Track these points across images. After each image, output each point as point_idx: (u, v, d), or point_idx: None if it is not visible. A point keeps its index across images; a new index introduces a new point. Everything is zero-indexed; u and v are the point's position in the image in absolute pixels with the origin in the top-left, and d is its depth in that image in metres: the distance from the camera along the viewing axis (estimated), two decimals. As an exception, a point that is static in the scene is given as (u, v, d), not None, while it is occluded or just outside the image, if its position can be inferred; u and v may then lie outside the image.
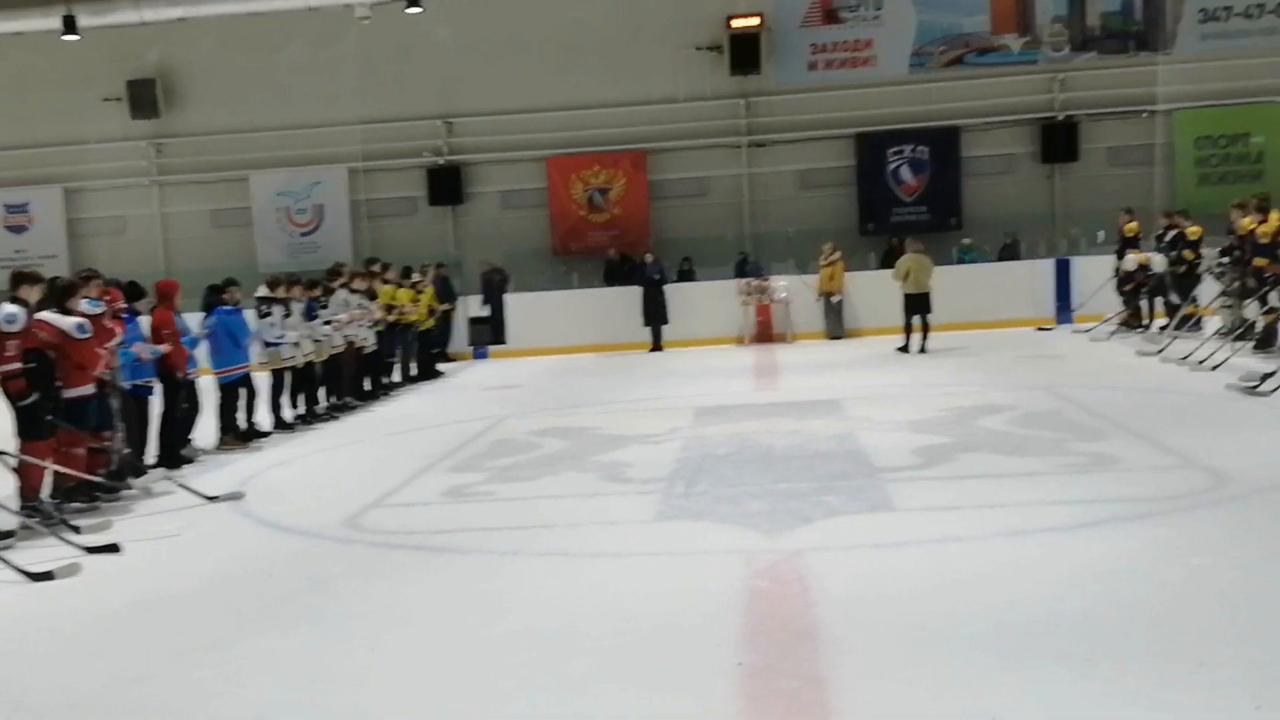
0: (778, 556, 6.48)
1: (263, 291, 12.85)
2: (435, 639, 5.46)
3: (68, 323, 8.62)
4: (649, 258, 20.32)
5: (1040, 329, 19.03)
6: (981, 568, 6.04)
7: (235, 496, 9.06)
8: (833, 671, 4.75)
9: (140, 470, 9.76)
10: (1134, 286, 17.12)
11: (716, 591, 5.86)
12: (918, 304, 16.72)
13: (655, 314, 19.97)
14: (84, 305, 8.97)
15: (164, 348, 10.25)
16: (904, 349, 16.76)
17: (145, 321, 10.44)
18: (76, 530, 7.81)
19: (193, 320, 11.57)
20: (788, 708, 4.44)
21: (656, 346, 19.94)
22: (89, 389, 8.83)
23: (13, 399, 8.23)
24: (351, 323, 14.00)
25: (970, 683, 4.49)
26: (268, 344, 12.50)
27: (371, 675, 5.02)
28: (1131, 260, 16.75)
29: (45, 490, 8.42)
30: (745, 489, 8.23)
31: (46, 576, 6.88)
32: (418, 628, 5.65)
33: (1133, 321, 17.24)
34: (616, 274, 22.01)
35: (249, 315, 12.31)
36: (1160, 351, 14.41)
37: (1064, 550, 6.29)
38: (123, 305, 9.76)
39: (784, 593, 5.93)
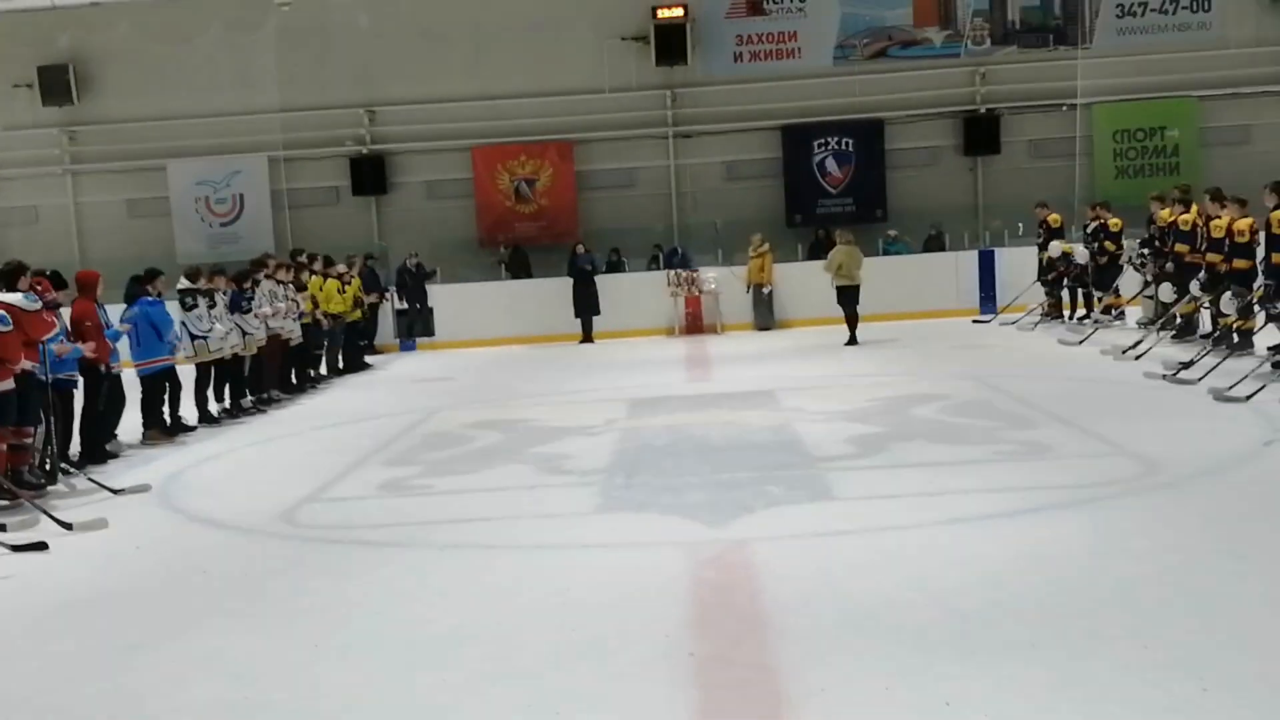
0: (723, 547, 6.48)
1: (183, 284, 12.53)
2: (378, 634, 5.35)
3: None
4: (580, 248, 20.20)
5: (976, 321, 19.25)
6: (925, 555, 6.08)
7: (141, 489, 8.86)
8: (784, 660, 4.75)
9: (67, 470, 9.50)
10: (1056, 276, 17.41)
11: (663, 582, 5.83)
12: (850, 296, 16.72)
13: (586, 305, 19.87)
14: (19, 299, 8.67)
15: (87, 349, 9.92)
16: (853, 341, 16.61)
17: (65, 314, 10.14)
18: (3, 528, 7.56)
19: (114, 313, 11.28)
20: (742, 697, 4.44)
21: (587, 338, 19.87)
22: (8, 384, 8.52)
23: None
24: (278, 314, 13.77)
25: (920, 669, 4.51)
26: (195, 336, 12.23)
27: (314, 672, 4.92)
28: (1055, 247, 17.00)
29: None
30: (686, 480, 8.22)
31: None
32: (360, 623, 5.55)
33: (1054, 312, 17.53)
34: (513, 267, 21.98)
35: (171, 307, 12.03)
36: (1082, 341, 14.69)
37: (1004, 536, 6.36)
38: (53, 296, 9.46)
39: (731, 582, 5.93)
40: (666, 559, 6.29)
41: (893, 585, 5.57)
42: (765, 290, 20.15)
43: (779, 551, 6.33)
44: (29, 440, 8.99)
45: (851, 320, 16.72)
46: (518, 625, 5.35)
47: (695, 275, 20.47)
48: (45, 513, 7.84)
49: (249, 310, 13.12)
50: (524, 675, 4.74)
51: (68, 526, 7.59)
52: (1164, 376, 11.25)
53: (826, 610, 5.26)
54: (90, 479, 8.97)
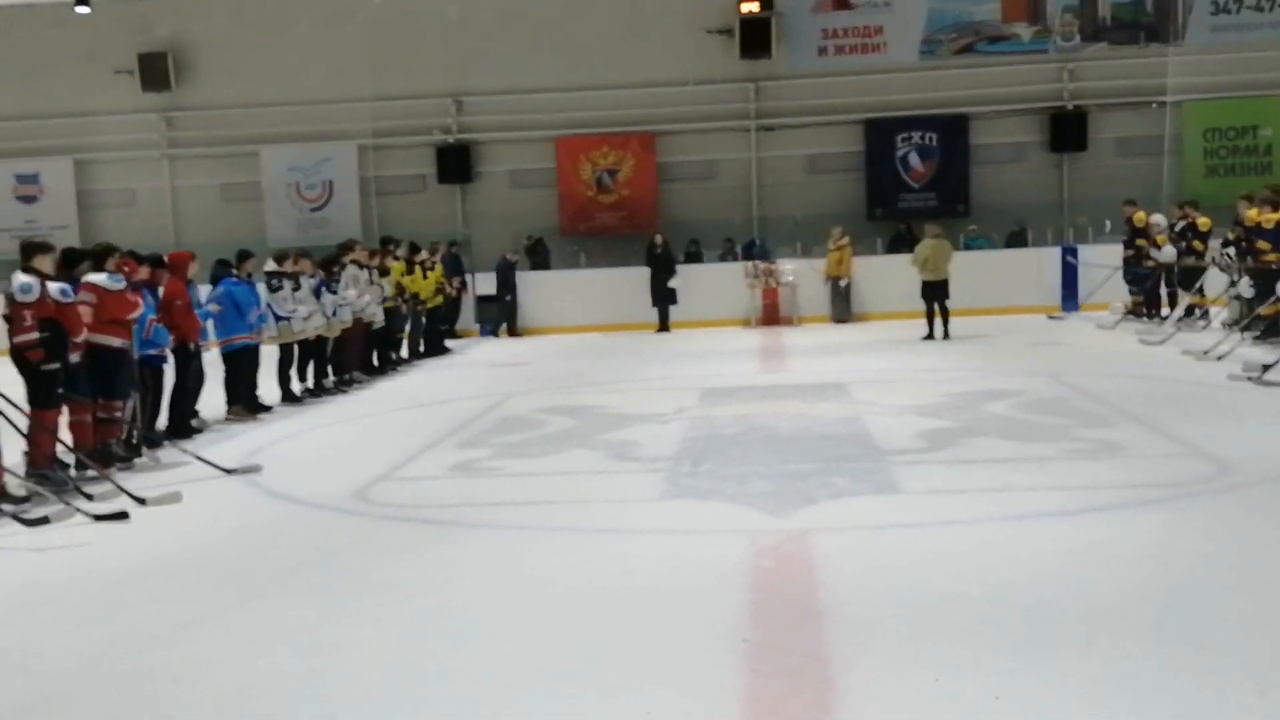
0: (783, 536, 6.52)
1: (271, 266, 12.87)
2: (442, 612, 5.48)
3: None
4: (658, 239, 20.33)
5: (1051, 317, 19.06)
6: (985, 551, 6.06)
7: (252, 469, 9.02)
8: (837, 650, 4.77)
9: (155, 441, 9.80)
10: (1151, 276, 17.04)
11: (723, 569, 5.89)
12: (936, 291, 16.45)
13: (663, 295, 19.98)
14: (103, 279, 8.97)
15: (172, 339, 10.27)
16: (929, 336, 16.45)
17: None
18: (89, 498, 7.85)
19: (202, 293, 11.63)
20: (793, 684, 4.48)
21: (664, 327, 19.98)
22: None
23: (33, 367, 8.25)
24: (362, 298, 14.06)
25: (972, 663, 4.52)
26: (279, 318, 12.54)
27: (377, 646, 5.03)
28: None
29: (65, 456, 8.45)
30: (751, 469, 8.26)
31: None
32: (424, 600, 5.67)
33: (1139, 310, 17.24)
34: (533, 256, 22.23)
35: (260, 289, 12.35)
36: (1163, 341, 14.44)
37: (1068, 534, 6.32)
38: (139, 276, 9.76)
39: (789, 572, 5.96)
40: (727, 547, 6.33)
41: (951, 580, 5.57)
42: (843, 283, 20.09)
43: (839, 543, 6.36)
44: (119, 414, 9.30)
45: (931, 315, 16.54)
46: (578, 607, 5.45)
47: (773, 267, 20.47)
48: (119, 487, 8.08)
49: (334, 293, 13.42)
50: (582, 655, 4.82)
51: (141, 501, 7.81)
52: (1249, 378, 11.04)
53: (882, 602, 5.28)
54: (201, 459, 9.09)
